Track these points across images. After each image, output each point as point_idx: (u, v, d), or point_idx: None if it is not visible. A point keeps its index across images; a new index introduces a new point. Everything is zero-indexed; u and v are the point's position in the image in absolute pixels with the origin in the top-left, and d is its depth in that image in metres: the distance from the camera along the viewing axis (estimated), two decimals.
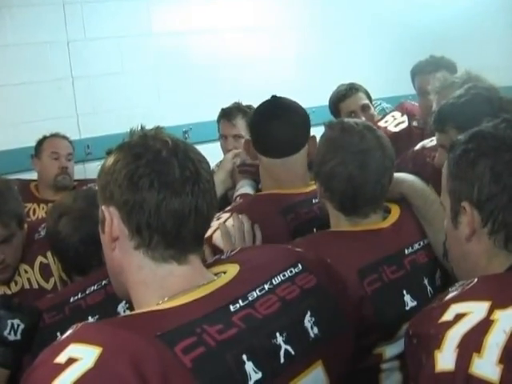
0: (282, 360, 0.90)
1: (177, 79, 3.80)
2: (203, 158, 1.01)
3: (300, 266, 1.04)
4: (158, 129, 1.02)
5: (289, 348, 0.91)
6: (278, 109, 1.67)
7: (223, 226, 1.48)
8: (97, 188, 1.01)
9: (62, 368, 0.75)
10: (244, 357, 0.85)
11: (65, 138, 3.10)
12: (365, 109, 2.87)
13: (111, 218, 0.95)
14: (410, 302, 1.33)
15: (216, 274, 1.00)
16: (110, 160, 0.97)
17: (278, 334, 0.91)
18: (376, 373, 1.32)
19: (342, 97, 2.91)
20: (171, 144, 0.97)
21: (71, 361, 0.76)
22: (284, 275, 1.00)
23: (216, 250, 1.44)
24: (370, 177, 1.38)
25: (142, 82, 3.71)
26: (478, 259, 1.01)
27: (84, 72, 3.53)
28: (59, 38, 3.46)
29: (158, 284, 0.94)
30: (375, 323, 1.26)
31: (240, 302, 0.92)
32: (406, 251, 1.40)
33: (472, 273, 1.01)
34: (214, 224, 1.51)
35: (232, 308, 0.90)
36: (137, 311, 0.92)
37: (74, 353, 0.77)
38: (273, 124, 1.64)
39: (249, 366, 0.85)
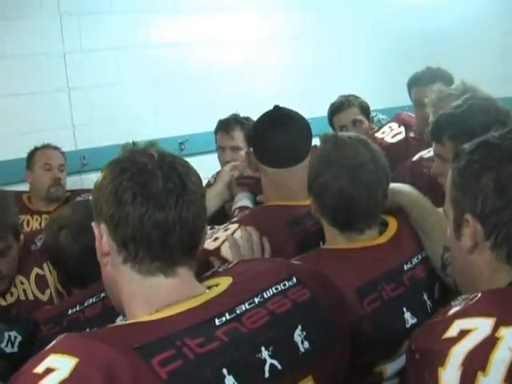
0: (267, 374, 0.89)
1: (173, 90, 3.81)
2: (192, 170, 1.01)
3: (294, 279, 1.03)
4: (149, 143, 1.03)
5: (275, 362, 0.90)
6: (282, 118, 1.67)
7: (231, 238, 1.47)
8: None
9: (39, 377, 0.78)
10: (224, 371, 0.84)
11: (56, 148, 3.07)
12: (356, 124, 2.87)
13: (101, 234, 0.97)
14: (410, 319, 1.31)
15: (209, 287, 1.00)
16: (100, 177, 1.00)
17: (263, 348, 0.90)
18: None
19: (334, 111, 2.93)
20: (157, 157, 0.98)
21: (48, 371, 0.78)
22: (277, 288, 1.00)
23: (225, 263, 1.43)
24: (362, 191, 1.36)
25: (139, 93, 3.71)
26: (480, 272, 1.00)
27: (80, 83, 3.53)
28: (56, 49, 3.46)
29: (146, 297, 0.95)
30: (376, 342, 1.24)
31: (227, 315, 0.92)
32: (405, 267, 1.38)
33: (474, 285, 1.00)
34: (222, 235, 1.51)
35: (217, 321, 0.90)
36: (122, 322, 0.93)
37: (53, 363, 0.79)
38: (279, 133, 1.63)
39: (229, 380, 0.84)
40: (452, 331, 0.86)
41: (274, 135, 1.64)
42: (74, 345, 0.82)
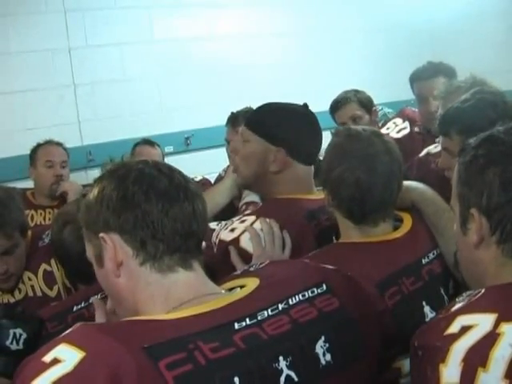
0: None
1: (178, 85, 3.80)
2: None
3: (324, 286, 0.99)
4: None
5: (292, 374, 0.86)
6: (313, 117, 1.67)
7: (252, 229, 1.43)
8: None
9: (45, 367, 0.77)
10: (236, 379, 0.81)
11: (59, 144, 3.03)
12: (356, 120, 2.85)
13: (113, 244, 0.94)
14: (429, 313, 1.29)
15: (233, 289, 0.98)
16: (94, 192, 0.98)
17: (281, 358, 0.86)
18: None
19: (334, 108, 2.93)
20: (151, 162, 1.00)
21: (55, 361, 0.77)
22: (304, 295, 0.96)
23: (243, 253, 1.41)
24: (378, 181, 1.35)
25: (144, 88, 3.71)
26: (487, 266, 0.99)
27: (86, 79, 3.54)
28: (61, 45, 3.47)
29: (165, 296, 0.93)
30: (396, 336, 1.20)
31: (247, 320, 0.88)
32: (423, 261, 1.37)
33: (482, 279, 0.99)
34: (239, 226, 1.48)
35: (237, 326, 0.87)
36: (139, 317, 0.90)
37: (61, 353, 0.78)
38: (316, 132, 1.65)
39: None
40: (454, 328, 0.86)
41: (314, 133, 1.65)
42: (86, 338, 0.80)
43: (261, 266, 1.08)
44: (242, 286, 0.98)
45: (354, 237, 1.39)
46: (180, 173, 1.00)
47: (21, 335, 1.26)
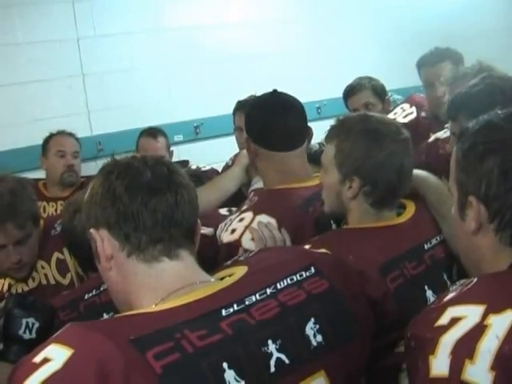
0: (273, 369, 0.87)
1: (187, 74, 3.80)
2: (175, 165, 1.05)
3: (313, 269, 1.01)
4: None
5: (282, 356, 0.88)
6: (283, 102, 1.68)
7: (255, 232, 1.44)
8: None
9: (35, 367, 0.79)
10: (225, 364, 0.82)
11: (71, 135, 3.07)
12: (368, 107, 2.86)
13: (102, 239, 0.98)
14: (431, 297, 1.30)
15: (223, 278, 0.99)
16: (88, 190, 1.02)
17: (270, 342, 0.88)
18: (396, 372, 1.29)
19: (347, 94, 2.95)
20: (140, 156, 1.04)
21: (45, 361, 0.79)
22: (292, 279, 0.98)
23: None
24: (411, 166, 1.40)
25: (153, 77, 3.71)
26: (484, 253, 0.98)
27: (94, 69, 3.54)
28: (69, 35, 3.47)
29: (153, 285, 0.95)
30: (398, 320, 1.21)
31: (235, 306, 0.90)
32: (426, 246, 1.38)
33: (479, 264, 1.00)
34: (238, 226, 1.50)
35: (224, 312, 0.88)
36: (127, 313, 0.92)
37: (50, 353, 0.80)
38: (283, 117, 1.64)
39: (229, 375, 0.82)
40: (444, 319, 0.86)
41: (278, 119, 1.64)
42: (73, 335, 0.82)
43: (250, 254, 1.11)
44: (231, 275, 1.00)
45: (369, 222, 1.39)
46: (167, 164, 1.02)
47: (33, 324, 1.27)
